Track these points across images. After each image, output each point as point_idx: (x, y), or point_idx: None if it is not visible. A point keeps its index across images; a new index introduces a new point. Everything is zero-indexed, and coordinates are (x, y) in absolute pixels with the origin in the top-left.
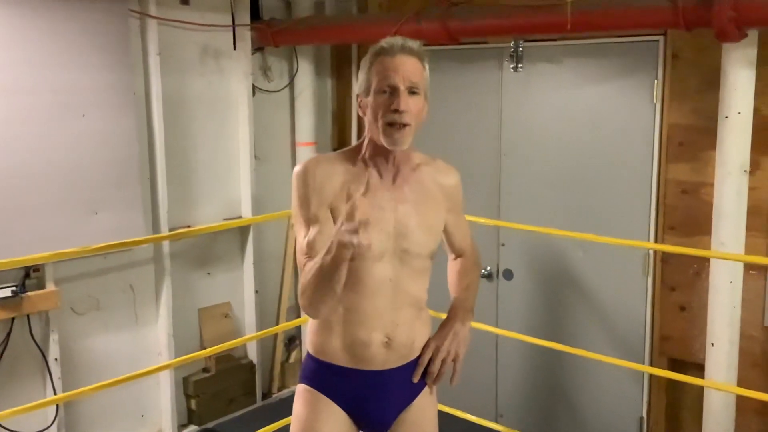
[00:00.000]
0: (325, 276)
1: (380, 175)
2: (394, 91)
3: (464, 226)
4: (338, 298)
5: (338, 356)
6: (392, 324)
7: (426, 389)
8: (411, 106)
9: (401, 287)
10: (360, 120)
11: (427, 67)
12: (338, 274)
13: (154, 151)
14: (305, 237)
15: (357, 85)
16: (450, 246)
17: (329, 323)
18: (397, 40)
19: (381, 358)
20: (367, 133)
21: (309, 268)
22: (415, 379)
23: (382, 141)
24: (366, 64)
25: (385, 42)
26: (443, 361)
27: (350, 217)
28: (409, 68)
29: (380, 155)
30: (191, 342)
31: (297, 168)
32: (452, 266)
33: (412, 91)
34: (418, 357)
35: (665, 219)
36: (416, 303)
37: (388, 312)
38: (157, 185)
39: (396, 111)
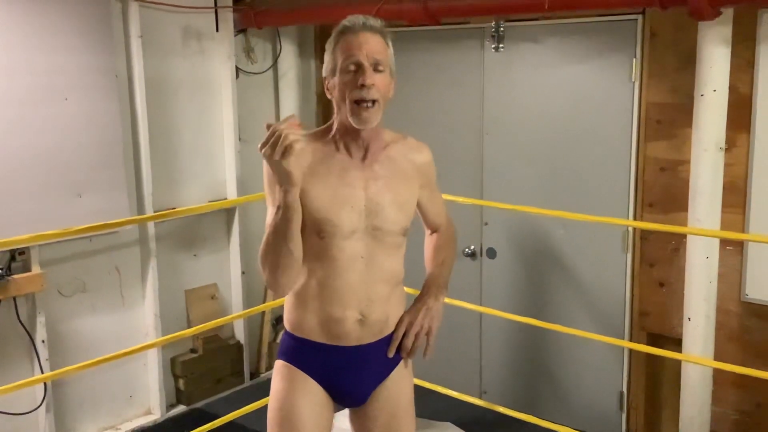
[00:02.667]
0: (280, 233)
1: (350, 155)
2: (359, 67)
3: (439, 201)
4: (310, 275)
5: (314, 333)
6: (366, 300)
7: (401, 363)
8: (377, 82)
9: (374, 264)
10: None
11: (390, 44)
12: (291, 227)
13: (137, 134)
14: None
15: (323, 68)
16: (425, 222)
17: (304, 300)
18: (359, 18)
19: (356, 335)
20: (336, 114)
21: (266, 234)
22: (390, 354)
23: (351, 121)
24: (330, 44)
25: (347, 21)
26: (417, 336)
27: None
28: (373, 45)
29: (350, 135)
30: (178, 323)
31: None
32: (428, 242)
33: (378, 68)
34: (393, 332)
35: (644, 196)
36: (390, 279)
37: (362, 288)
38: (141, 168)
39: (362, 87)
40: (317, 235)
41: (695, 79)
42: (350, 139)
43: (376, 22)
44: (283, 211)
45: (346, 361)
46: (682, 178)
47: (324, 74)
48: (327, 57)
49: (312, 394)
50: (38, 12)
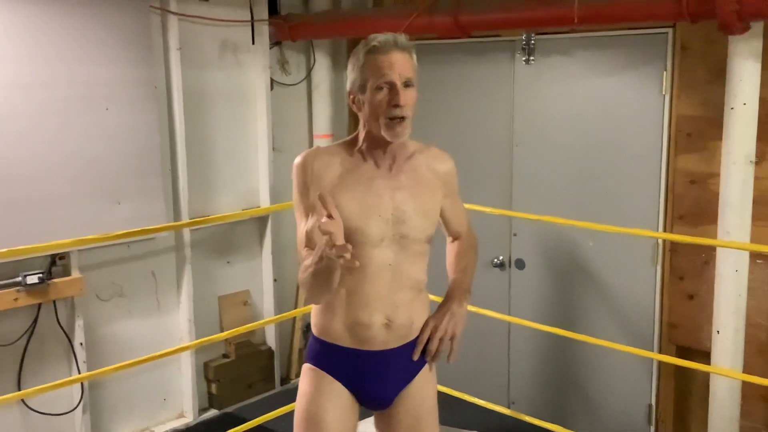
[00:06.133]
0: (320, 277)
1: (377, 165)
2: (392, 87)
3: (460, 209)
4: (339, 283)
5: (341, 337)
6: (392, 306)
7: (425, 368)
8: (408, 99)
9: (401, 271)
10: None
11: (415, 58)
12: (332, 276)
13: (175, 143)
14: (305, 227)
15: (348, 83)
16: (447, 229)
17: (332, 306)
18: (389, 38)
19: (381, 339)
20: (363, 127)
21: (305, 267)
22: (415, 357)
23: (384, 135)
24: (357, 61)
25: (376, 41)
26: (441, 340)
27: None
28: (403, 64)
29: (377, 146)
30: (212, 328)
31: (297, 159)
32: (450, 249)
33: (407, 84)
34: (417, 337)
35: (674, 209)
36: (415, 285)
37: (389, 294)
38: (178, 176)
39: (396, 106)
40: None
41: (725, 92)
42: (377, 150)
43: (404, 40)
44: (327, 266)
45: (372, 365)
46: (713, 190)
47: (349, 89)
48: (354, 73)
49: (338, 397)
50: (81, 25)
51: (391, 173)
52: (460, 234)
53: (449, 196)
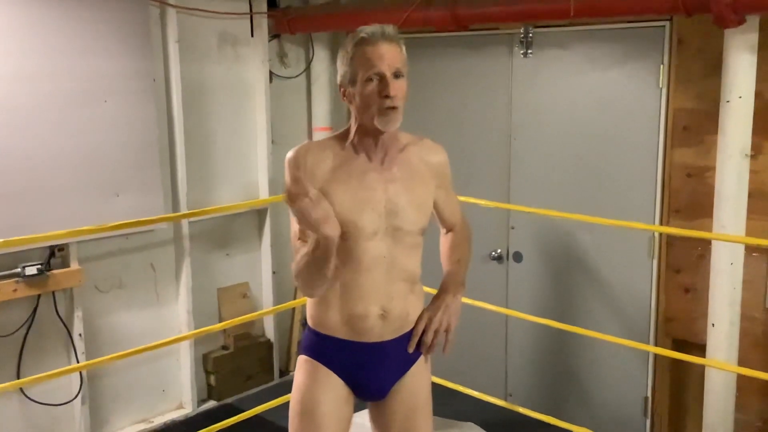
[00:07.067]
0: (315, 266)
1: (369, 158)
2: (381, 78)
3: (454, 201)
4: (335, 276)
5: (337, 329)
6: (387, 297)
7: (420, 359)
8: (398, 90)
9: (395, 263)
10: None
11: (404, 49)
12: (327, 265)
13: (173, 136)
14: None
15: (339, 76)
16: (441, 221)
17: (328, 298)
18: (376, 29)
19: (377, 331)
20: (354, 120)
21: (300, 257)
22: (410, 350)
23: (377, 124)
24: (346, 54)
25: (364, 33)
26: (436, 332)
27: (304, 219)
28: (392, 55)
29: (368, 139)
30: (211, 320)
31: (289, 154)
32: (444, 241)
33: (397, 75)
34: (413, 329)
35: (670, 202)
36: (410, 277)
37: (384, 286)
38: (177, 169)
39: (387, 97)
40: (341, 237)
41: (721, 85)
42: (369, 143)
43: (392, 31)
44: (323, 254)
45: (368, 356)
46: (709, 184)
47: (339, 82)
48: (344, 66)
49: (333, 388)
50: (79, 18)
51: (384, 166)
52: (454, 226)
53: (442, 188)
